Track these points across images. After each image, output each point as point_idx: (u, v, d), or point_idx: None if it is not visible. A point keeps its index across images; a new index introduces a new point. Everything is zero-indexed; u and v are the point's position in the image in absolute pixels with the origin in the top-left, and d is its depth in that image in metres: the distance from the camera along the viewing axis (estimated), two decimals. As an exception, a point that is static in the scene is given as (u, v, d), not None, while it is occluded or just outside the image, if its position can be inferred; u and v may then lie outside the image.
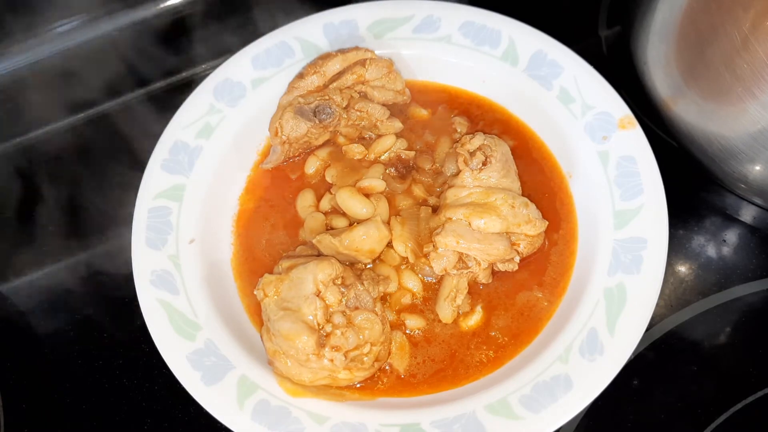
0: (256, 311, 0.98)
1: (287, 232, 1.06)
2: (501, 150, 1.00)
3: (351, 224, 1.01)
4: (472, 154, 0.99)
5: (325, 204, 1.06)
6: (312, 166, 1.10)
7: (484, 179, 0.99)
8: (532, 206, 0.99)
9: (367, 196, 1.03)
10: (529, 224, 0.97)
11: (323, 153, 1.10)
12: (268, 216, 1.08)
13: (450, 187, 1.01)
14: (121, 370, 1.04)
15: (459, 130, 1.11)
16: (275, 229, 1.06)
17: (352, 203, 1.02)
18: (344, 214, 1.03)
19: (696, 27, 0.93)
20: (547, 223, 0.99)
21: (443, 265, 0.96)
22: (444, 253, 0.96)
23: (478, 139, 1.00)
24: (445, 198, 1.00)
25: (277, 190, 1.09)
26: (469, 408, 0.89)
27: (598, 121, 1.06)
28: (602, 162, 1.03)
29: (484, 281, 0.99)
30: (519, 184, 1.02)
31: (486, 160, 0.99)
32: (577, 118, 1.07)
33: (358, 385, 0.94)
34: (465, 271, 0.96)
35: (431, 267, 0.97)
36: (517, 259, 0.98)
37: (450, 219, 0.97)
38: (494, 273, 1.00)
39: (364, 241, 0.97)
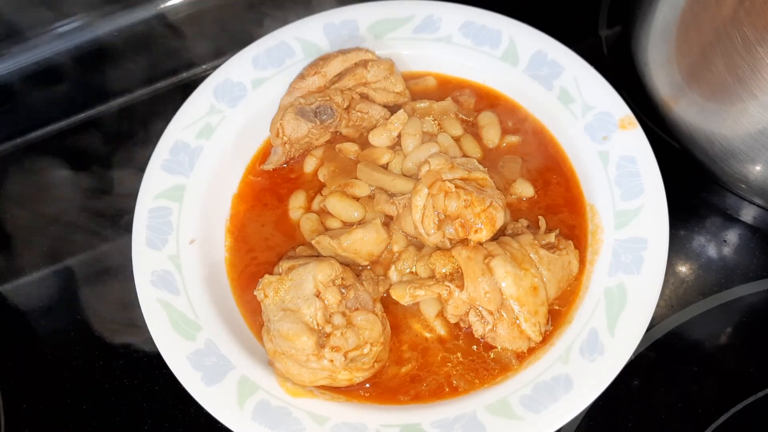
0: (256, 311, 0.98)
1: (287, 233, 1.06)
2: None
3: (344, 224, 1.01)
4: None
5: (316, 205, 1.06)
6: (310, 165, 1.10)
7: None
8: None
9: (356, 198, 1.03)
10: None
11: (320, 152, 1.10)
12: (267, 216, 1.07)
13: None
14: (121, 370, 1.03)
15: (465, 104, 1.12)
16: (275, 229, 1.06)
17: (343, 208, 1.01)
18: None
19: (696, 27, 0.93)
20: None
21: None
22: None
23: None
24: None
25: (276, 190, 1.09)
26: (469, 408, 0.89)
27: (599, 121, 1.05)
28: (602, 162, 1.03)
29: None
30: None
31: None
32: (578, 118, 1.07)
33: (367, 384, 0.94)
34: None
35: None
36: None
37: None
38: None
39: (364, 243, 0.97)
